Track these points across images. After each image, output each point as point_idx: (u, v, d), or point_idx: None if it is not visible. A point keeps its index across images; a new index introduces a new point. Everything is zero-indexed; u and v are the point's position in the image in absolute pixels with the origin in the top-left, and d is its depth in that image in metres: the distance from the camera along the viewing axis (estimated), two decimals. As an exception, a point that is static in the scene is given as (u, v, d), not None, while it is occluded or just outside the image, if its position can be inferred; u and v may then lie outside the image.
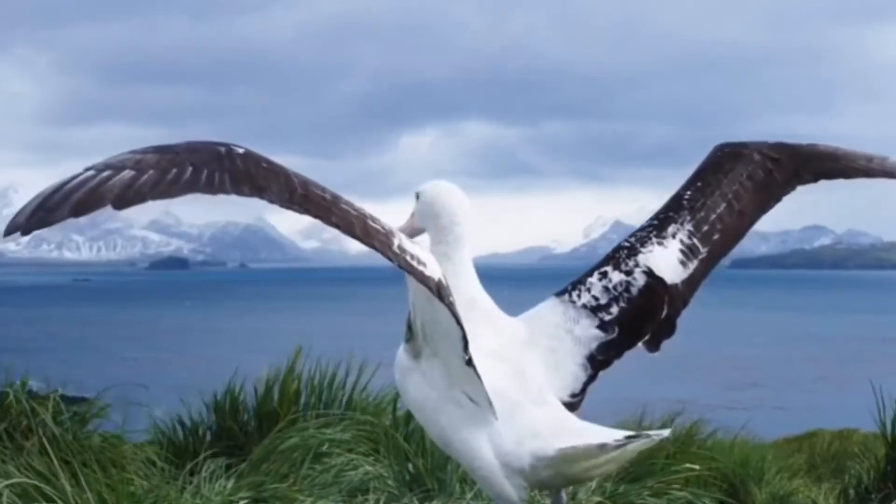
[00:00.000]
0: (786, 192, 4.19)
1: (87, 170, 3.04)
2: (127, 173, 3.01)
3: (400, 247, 3.32)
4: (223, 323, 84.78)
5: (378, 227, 3.29)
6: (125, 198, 2.98)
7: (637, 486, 6.32)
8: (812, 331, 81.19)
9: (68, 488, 4.90)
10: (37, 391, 6.36)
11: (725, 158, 4.15)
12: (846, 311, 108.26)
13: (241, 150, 3.19)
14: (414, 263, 3.34)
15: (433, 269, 3.40)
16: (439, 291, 3.40)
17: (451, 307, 3.43)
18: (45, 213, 2.95)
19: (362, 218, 3.26)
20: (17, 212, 3.02)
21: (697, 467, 7.00)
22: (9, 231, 3.02)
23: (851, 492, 7.59)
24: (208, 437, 6.83)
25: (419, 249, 3.42)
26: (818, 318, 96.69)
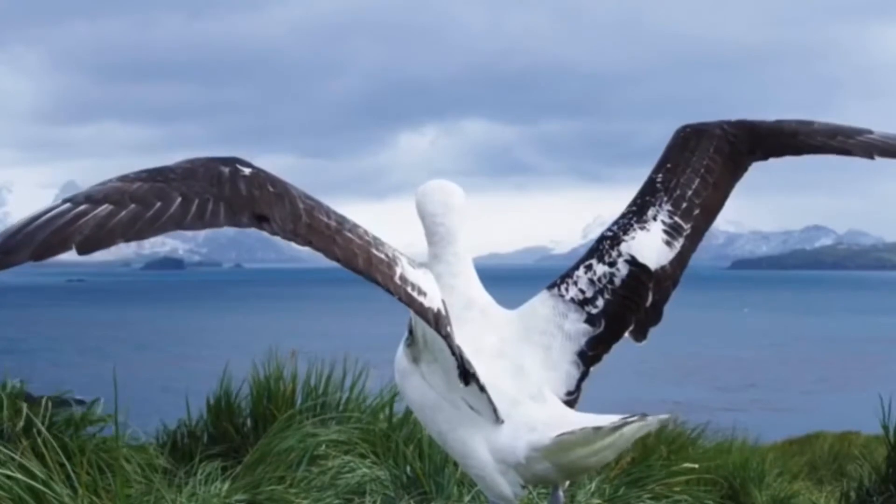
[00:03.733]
0: (749, 163, 4.13)
1: (66, 201, 2.88)
2: (103, 210, 2.84)
3: (402, 276, 3.26)
4: (219, 324, 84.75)
5: (381, 255, 3.22)
6: (94, 240, 2.81)
7: (636, 489, 6.29)
8: (813, 332, 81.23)
9: (64, 491, 4.86)
10: (31, 393, 6.32)
11: (689, 137, 4.11)
12: (847, 312, 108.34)
13: (247, 171, 3.04)
14: (414, 294, 3.28)
15: (432, 299, 3.35)
16: (437, 323, 3.35)
17: (447, 339, 3.39)
18: (3, 254, 2.78)
19: (366, 247, 3.18)
20: None
21: (696, 466, 6.98)
22: None
23: (853, 494, 7.55)
24: (204, 439, 6.79)
25: (421, 277, 3.37)
26: (819, 319, 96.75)
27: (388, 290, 3.21)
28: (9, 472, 4.95)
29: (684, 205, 4.00)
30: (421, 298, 3.30)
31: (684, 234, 3.98)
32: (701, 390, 43.05)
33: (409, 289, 3.27)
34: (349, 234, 3.15)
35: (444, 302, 3.41)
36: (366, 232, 3.22)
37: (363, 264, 3.14)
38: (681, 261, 3.96)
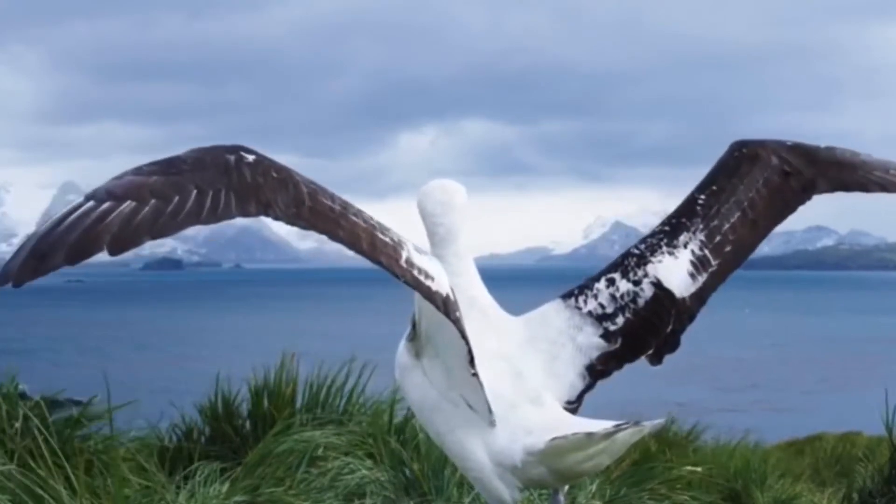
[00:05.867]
0: (801, 202, 4.01)
1: (88, 199, 2.89)
2: (127, 206, 2.86)
3: (408, 260, 3.24)
4: (219, 324, 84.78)
5: (386, 239, 3.20)
6: (123, 238, 2.83)
7: (637, 490, 6.28)
8: (815, 332, 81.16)
9: (62, 493, 4.84)
10: (29, 393, 6.28)
11: (743, 160, 3.96)
12: (849, 313, 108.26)
13: (250, 158, 3.06)
14: (421, 278, 3.26)
15: (440, 284, 3.32)
16: (446, 307, 3.32)
17: (457, 323, 3.36)
18: (37, 261, 2.79)
19: (370, 230, 3.17)
20: (13, 254, 2.85)
21: (699, 469, 6.96)
22: (0, 281, 2.80)
23: (855, 496, 7.52)
24: (203, 441, 6.75)
25: (428, 262, 3.34)
26: (821, 320, 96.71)
27: (394, 273, 3.19)
28: (7, 473, 4.93)
29: (718, 238, 3.88)
30: (428, 282, 3.28)
31: (710, 269, 3.86)
32: (702, 391, 43.03)
33: (415, 272, 3.24)
34: (354, 218, 3.15)
35: (453, 289, 3.39)
36: (370, 217, 3.22)
37: (367, 247, 3.14)
38: (700, 297, 3.86)
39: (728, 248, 3.89)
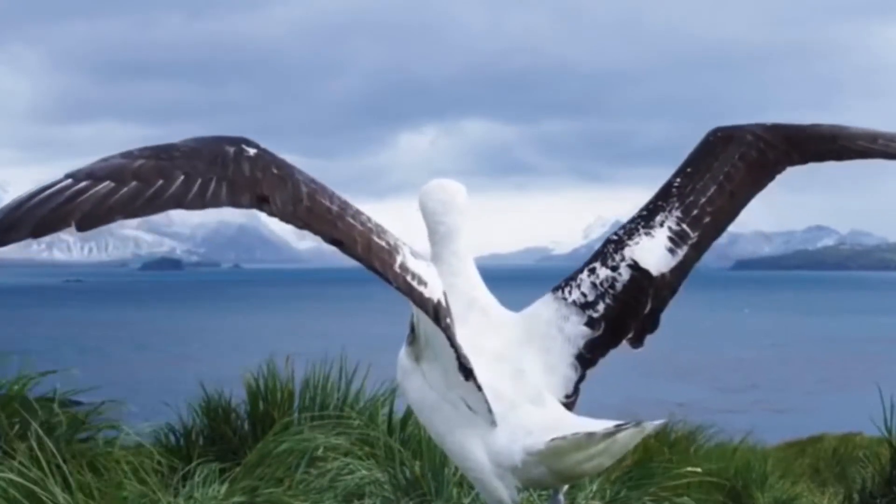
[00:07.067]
0: (777, 172, 4.02)
1: (67, 176, 2.82)
2: (105, 186, 2.79)
3: (402, 265, 3.23)
4: (218, 324, 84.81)
5: (382, 242, 3.19)
6: (93, 216, 2.76)
7: (638, 491, 6.26)
8: (815, 332, 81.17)
9: (59, 494, 4.82)
10: (29, 394, 6.27)
11: (718, 142, 4.01)
12: (850, 313, 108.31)
13: (252, 152, 3.01)
14: (414, 284, 3.26)
15: (433, 290, 3.32)
16: (436, 313, 3.33)
17: (446, 331, 3.37)
18: (4, 231, 2.74)
19: (367, 234, 3.15)
20: None
21: (699, 470, 6.94)
22: None
23: (856, 497, 7.51)
24: (201, 441, 6.74)
25: (423, 267, 3.34)
26: (821, 320, 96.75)
27: (387, 279, 3.19)
28: (5, 474, 4.91)
29: (695, 212, 3.90)
30: (421, 288, 3.28)
31: (689, 242, 3.89)
32: (702, 391, 43.03)
33: (408, 277, 3.24)
34: (351, 220, 3.13)
35: (445, 294, 3.38)
36: (369, 219, 3.20)
37: (362, 250, 3.13)
38: (682, 269, 3.88)
39: (707, 220, 3.92)
